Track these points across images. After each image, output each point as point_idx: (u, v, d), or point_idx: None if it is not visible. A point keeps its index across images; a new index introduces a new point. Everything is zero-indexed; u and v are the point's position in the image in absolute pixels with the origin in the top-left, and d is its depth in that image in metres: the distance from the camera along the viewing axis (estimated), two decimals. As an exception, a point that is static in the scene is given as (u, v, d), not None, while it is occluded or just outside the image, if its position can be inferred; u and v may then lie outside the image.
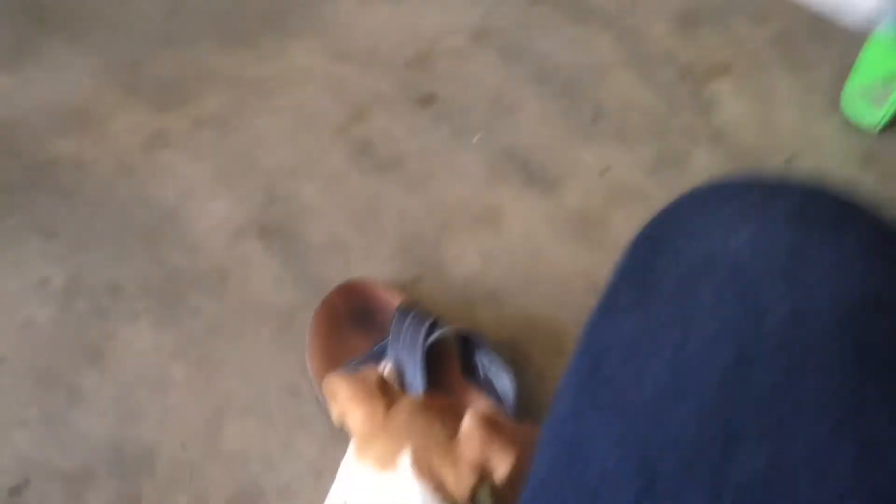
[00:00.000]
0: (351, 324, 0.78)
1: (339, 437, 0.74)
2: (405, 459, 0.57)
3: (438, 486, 0.56)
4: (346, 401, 0.59)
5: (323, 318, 0.78)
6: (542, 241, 0.87)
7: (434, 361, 0.74)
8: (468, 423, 0.58)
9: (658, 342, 0.32)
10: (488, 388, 0.74)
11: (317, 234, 0.87)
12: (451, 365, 0.76)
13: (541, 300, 0.83)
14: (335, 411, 0.60)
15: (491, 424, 0.58)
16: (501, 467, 0.57)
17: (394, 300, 0.79)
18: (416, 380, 0.72)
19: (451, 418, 0.59)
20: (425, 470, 0.56)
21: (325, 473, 0.72)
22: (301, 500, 0.70)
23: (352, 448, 0.61)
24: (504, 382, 0.73)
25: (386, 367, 0.73)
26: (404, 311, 0.76)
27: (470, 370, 0.76)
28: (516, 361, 0.78)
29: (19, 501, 0.69)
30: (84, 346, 0.78)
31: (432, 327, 0.74)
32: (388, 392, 0.60)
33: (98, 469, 0.71)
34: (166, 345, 0.79)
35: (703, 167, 0.93)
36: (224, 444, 0.73)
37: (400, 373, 0.73)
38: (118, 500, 0.70)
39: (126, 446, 0.73)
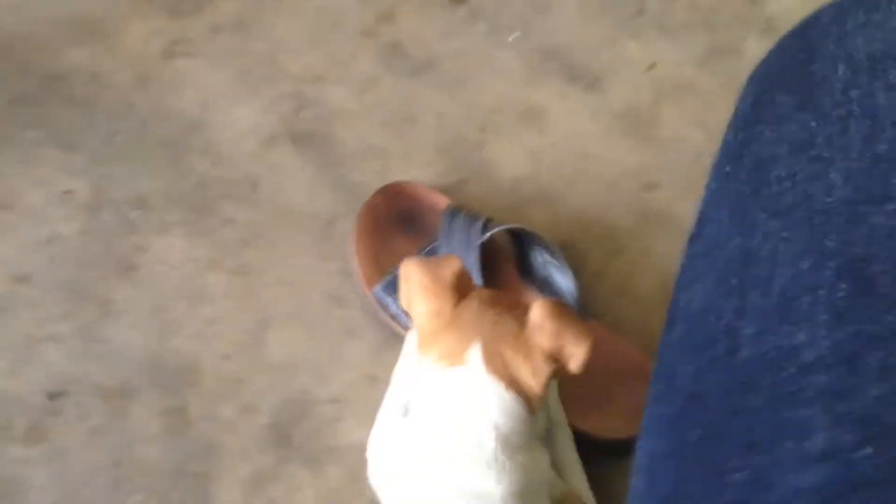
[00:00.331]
0: (396, 227, 0.74)
1: (389, 345, 0.70)
2: (475, 354, 0.53)
3: (512, 381, 0.52)
4: (417, 289, 0.54)
5: (366, 222, 0.74)
6: (589, 140, 0.83)
7: (488, 263, 0.70)
8: (538, 311, 0.54)
9: (840, 139, 0.28)
10: (547, 288, 0.70)
11: (351, 139, 0.82)
12: (505, 266, 0.72)
13: (593, 200, 0.79)
14: (404, 296, 0.56)
15: (562, 312, 0.54)
16: (578, 355, 0.53)
17: (440, 202, 0.75)
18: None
19: (521, 313, 0.55)
20: (498, 364, 0.53)
21: (378, 381, 0.68)
22: (356, 408, 0.67)
23: (413, 344, 0.57)
24: (564, 280, 0.69)
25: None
26: (454, 210, 0.71)
27: (525, 271, 0.72)
28: (572, 263, 0.74)
29: (59, 409, 0.65)
30: (114, 260, 0.74)
31: (485, 226, 0.69)
32: (463, 287, 0.55)
33: (139, 382, 0.67)
34: (201, 256, 0.74)
35: (756, 58, 0.87)
36: (269, 354, 0.70)
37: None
38: (163, 413, 0.66)
39: (167, 359, 0.69)
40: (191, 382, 0.67)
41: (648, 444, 0.35)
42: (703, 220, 0.35)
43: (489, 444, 0.51)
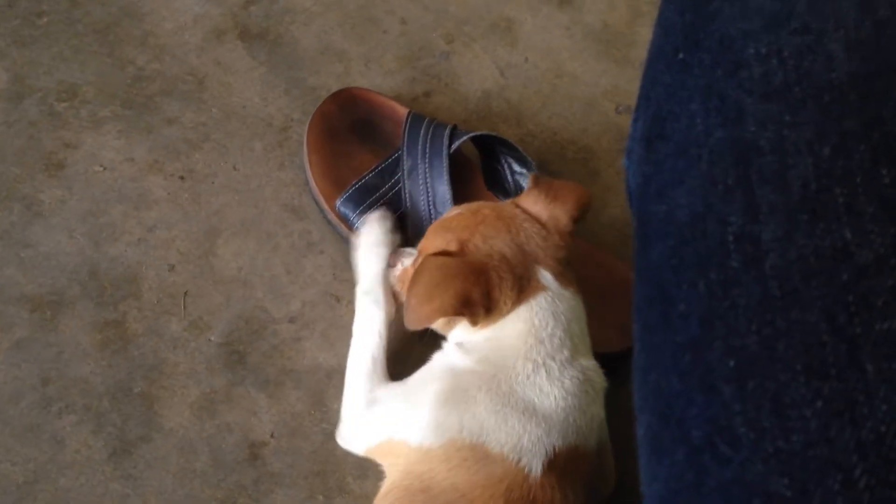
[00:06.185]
0: (353, 137, 0.68)
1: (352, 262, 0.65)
2: (546, 277, 0.52)
3: (576, 286, 0.53)
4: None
5: (319, 130, 0.67)
6: (563, 57, 0.78)
7: (454, 175, 0.64)
8: (529, 198, 0.55)
9: (826, 6, 0.27)
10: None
11: (308, 39, 0.75)
12: (472, 178, 0.67)
13: (567, 121, 0.75)
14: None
15: (543, 184, 0.55)
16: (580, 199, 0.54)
17: (398, 110, 0.69)
18: (440, 191, 0.63)
19: (524, 217, 0.54)
20: (561, 273, 0.52)
21: (341, 300, 0.63)
22: (317, 328, 0.61)
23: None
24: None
25: (403, 179, 0.63)
26: (417, 118, 0.66)
27: (493, 183, 0.67)
28: (545, 183, 0.70)
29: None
30: (40, 156, 0.65)
31: (452, 134, 0.64)
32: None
33: (71, 293, 0.60)
34: (141, 156, 0.67)
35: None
36: (220, 267, 0.63)
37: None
38: (98, 327, 0.59)
39: (103, 268, 0.61)
40: (130, 295, 0.61)
41: (657, 380, 0.31)
42: (662, 117, 0.31)
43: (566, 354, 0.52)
